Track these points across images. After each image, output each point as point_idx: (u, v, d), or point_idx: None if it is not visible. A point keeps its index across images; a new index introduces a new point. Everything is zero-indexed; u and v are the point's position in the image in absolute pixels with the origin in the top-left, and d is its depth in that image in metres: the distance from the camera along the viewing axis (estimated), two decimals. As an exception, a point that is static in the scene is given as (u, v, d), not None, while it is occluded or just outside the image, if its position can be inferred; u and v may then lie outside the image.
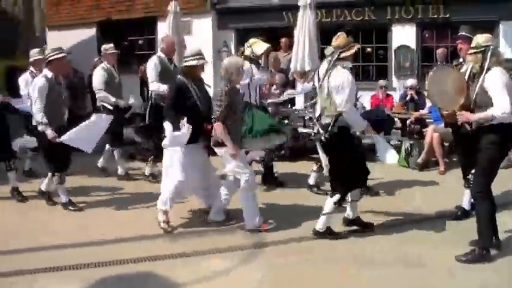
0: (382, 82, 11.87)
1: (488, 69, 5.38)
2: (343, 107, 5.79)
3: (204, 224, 6.69)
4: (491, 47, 5.41)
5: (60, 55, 7.29)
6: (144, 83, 11.13)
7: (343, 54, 5.95)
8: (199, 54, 6.62)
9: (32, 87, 7.33)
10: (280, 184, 8.62)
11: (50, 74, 7.25)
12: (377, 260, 5.52)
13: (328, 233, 6.10)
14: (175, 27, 11.80)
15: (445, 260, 5.41)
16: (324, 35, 14.66)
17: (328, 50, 6.07)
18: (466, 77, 6.03)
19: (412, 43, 14.09)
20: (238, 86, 6.77)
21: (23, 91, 8.75)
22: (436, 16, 13.82)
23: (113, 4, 17.87)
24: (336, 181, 6.12)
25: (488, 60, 5.37)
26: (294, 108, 11.57)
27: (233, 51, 15.71)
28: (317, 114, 6.21)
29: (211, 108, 6.41)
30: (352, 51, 6.02)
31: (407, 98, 11.14)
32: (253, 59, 8.15)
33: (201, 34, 15.52)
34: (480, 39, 5.56)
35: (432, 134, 9.44)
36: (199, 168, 6.67)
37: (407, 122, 10.84)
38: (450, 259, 5.38)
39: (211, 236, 6.30)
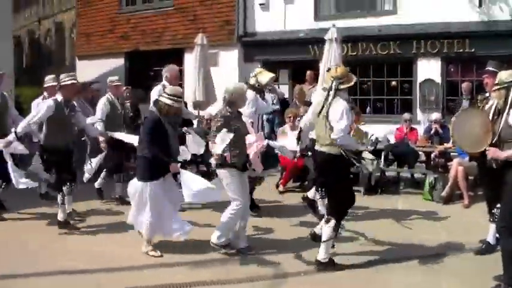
0: (406, 115, 11.87)
1: (513, 104, 5.38)
2: (337, 136, 5.90)
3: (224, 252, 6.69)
4: (514, 82, 5.42)
5: (70, 81, 7.71)
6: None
7: (342, 86, 6.10)
8: (177, 96, 6.70)
9: (41, 104, 7.91)
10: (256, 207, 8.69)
11: (60, 98, 7.67)
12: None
13: (332, 264, 6.11)
14: (202, 59, 11.97)
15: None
16: (350, 68, 14.84)
17: (326, 79, 6.25)
18: (492, 113, 6.05)
19: (437, 77, 14.14)
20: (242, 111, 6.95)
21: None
22: (461, 50, 13.88)
23: (141, 36, 18.24)
24: (332, 207, 6.24)
25: (511, 96, 5.38)
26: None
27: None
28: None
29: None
30: (352, 83, 6.18)
31: (432, 131, 11.14)
32: (257, 88, 8.36)
33: (227, 66, 15.77)
34: (503, 75, 5.60)
35: (457, 167, 9.39)
36: (169, 200, 6.69)
37: (432, 155, 10.81)
38: (474, 294, 5.35)
39: (232, 265, 6.31)
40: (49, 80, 9.08)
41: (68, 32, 31.04)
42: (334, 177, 6.17)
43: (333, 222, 6.05)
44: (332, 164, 6.10)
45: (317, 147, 6.28)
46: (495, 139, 5.50)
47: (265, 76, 8.51)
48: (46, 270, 6.02)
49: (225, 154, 6.37)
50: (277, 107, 12.88)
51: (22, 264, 6.23)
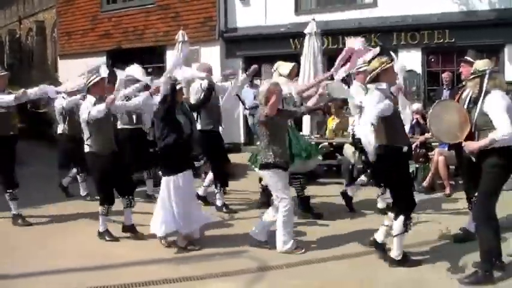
0: (388, 106, 11.89)
1: (487, 92, 5.46)
2: (361, 124, 5.83)
3: (208, 246, 6.76)
4: (487, 71, 5.50)
5: (98, 77, 7.14)
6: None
7: (371, 77, 5.91)
8: (175, 80, 6.82)
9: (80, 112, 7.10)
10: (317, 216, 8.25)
11: (93, 99, 7.01)
12: (380, 283, 5.55)
13: (406, 261, 5.93)
14: (183, 56, 11.95)
15: (447, 282, 5.44)
16: (332, 61, 14.92)
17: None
18: (467, 101, 6.15)
19: (418, 68, 14.24)
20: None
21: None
22: (441, 41, 14.01)
23: (122, 34, 18.21)
24: (398, 203, 6.03)
25: (485, 84, 5.46)
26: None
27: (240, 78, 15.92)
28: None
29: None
30: (377, 71, 5.85)
31: (413, 122, 11.17)
32: None
33: (209, 62, 15.72)
34: (479, 64, 5.68)
35: (438, 157, 9.49)
36: (184, 196, 6.76)
37: (413, 145, 10.86)
38: (453, 281, 5.41)
39: (213, 260, 6.34)
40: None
41: (49, 30, 30.82)
42: (392, 171, 5.93)
43: (401, 217, 5.86)
44: (386, 157, 5.85)
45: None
46: (472, 128, 5.58)
47: (286, 66, 8.34)
48: (37, 271, 6.03)
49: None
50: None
51: (13, 265, 6.26)
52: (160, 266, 6.18)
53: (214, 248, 6.71)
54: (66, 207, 8.86)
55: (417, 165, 9.90)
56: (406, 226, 5.86)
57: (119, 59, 18.01)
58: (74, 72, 17.12)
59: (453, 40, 13.87)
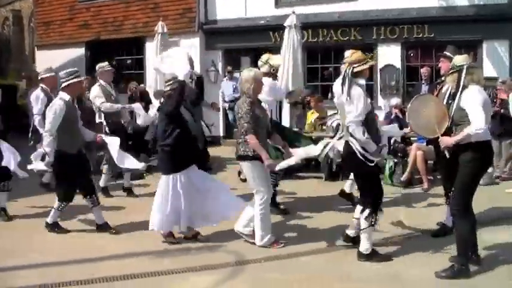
0: (367, 101, 11.93)
1: (465, 87, 5.49)
2: (349, 122, 5.73)
3: (186, 241, 6.73)
4: (465, 66, 5.53)
5: (77, 79, 7.03)
6: (132, 101, 11.24)
7: (356, 69, 5.84)
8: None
9: (48, 108, 7.05)
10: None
11: (67, 97, 6.94)
12: (358, 277, 5.56)
13: (374, 256, 5.91)
14: (162, 47, 11.90)
15: (424, 276, 5.46)
16: (311, 54, 14.97)
17: (343, 67, 6.07)
18: (447, 96, 6.19)
19: (397, 62, 14.29)
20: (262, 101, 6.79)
21: (35, 108, 8.97)
22: (421, 36, 14.07)
23: (101, 24, 18.00)
24: (365, 196, 6.04)
25: (463, 79, 5.49)
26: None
27: (220, 70, 15.94)
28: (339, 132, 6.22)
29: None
30: (366, 66, 5.89)
31: (392, 116, 11.24)
32: (273, 74, 7.95)
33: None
34: (457, 59, 5.73)
35: (416, 152, 9.55)
36: (193, 193, 6.60)
37: (392, 140, 10.92)
38: (430, 275, 5.43)
39: (192, 254, 6.32)
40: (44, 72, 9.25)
41: (26, 20, 30.39)
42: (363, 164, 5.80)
43: (367, 211, 5.86)
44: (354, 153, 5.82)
45: (344, 137, 6.02)
46: (449, 123, 5.62)
47: (277, 58, 8.28)
48: (17, 264, 5.95)
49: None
50: (238, 94, 12.85)
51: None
52: (141, 260, 6.14)
53: (193, 242, 6.67)
54: (42, 201, 8.71)
55: (396, 160, 9.94)
56: (372, 221, 5.87)
57: (97, 50, 17.87)
58: (51, 63, 17.02)
59: (432, 35, 13.95)
